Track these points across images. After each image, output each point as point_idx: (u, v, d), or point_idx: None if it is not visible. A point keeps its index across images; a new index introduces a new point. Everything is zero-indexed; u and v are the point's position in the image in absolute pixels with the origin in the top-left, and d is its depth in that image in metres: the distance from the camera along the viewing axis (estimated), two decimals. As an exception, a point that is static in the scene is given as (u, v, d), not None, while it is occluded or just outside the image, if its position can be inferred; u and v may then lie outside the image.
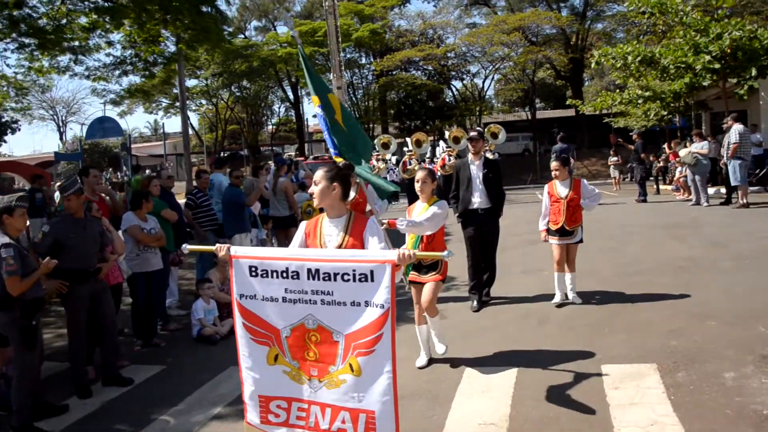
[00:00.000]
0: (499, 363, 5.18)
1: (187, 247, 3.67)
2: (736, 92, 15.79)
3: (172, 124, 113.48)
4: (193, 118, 49.16)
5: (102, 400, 5.13)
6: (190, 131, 51.74)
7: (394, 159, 19.76)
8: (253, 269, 3.23)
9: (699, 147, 13.82)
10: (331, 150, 6.36)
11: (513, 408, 4.27)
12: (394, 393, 2.96)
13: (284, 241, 9.75)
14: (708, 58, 15.14)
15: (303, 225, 3.70)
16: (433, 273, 5.17)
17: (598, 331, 5.67)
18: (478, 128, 8.52)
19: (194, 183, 10.70)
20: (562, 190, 6.67)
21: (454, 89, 44.72)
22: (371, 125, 46.62)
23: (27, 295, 4.45)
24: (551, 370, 4.90)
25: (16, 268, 4.37)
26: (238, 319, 3.33)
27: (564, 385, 4.55)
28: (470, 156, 7.00)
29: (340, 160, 6.17)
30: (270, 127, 55.36)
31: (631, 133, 18.89)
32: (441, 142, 20.44)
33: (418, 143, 15.56)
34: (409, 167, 16.74)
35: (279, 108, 52.70)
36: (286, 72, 42.68)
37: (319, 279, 3.07)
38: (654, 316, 5.94)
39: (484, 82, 44.31)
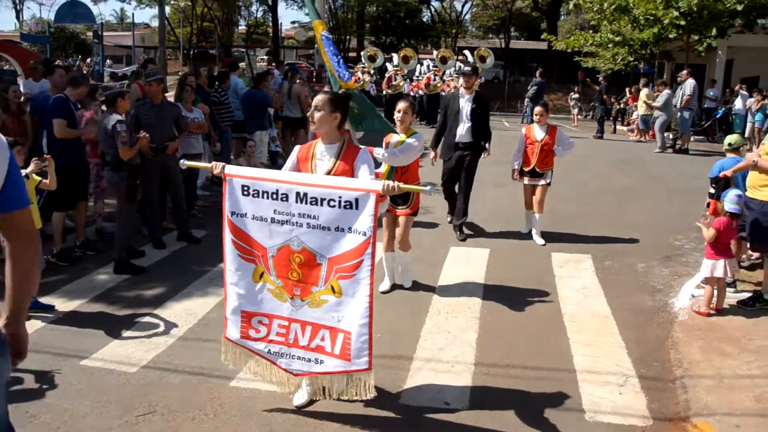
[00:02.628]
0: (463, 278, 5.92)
1: (184, 163, 3.77)
2: (696, 48, 17.32)
3: (141, 15, 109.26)
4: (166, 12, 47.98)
5: (171, 250, 6.59)
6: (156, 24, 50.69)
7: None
8: (245, 188, 3.33)
9: (658, 99, 15.16)
10: (344, 74, 5.86)
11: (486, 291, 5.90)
12: (370, 317, 3.12)
13: (290, 139, 11.07)
14: (676, 14, 16.51)
15: (296, 149, 3.76)
16: (405, 206, 5.36)
17: (547, 236, 7.20)
18: (471, 62, 8.71)
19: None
20: (539, 133, 6.88)
21: (432, 9, 44.96)
22: (347, 37, 46.79)
23: (132, 160, 5.78)
24: (514, 266, 6.55)
25: (127, 139, 5.66)
26: (227, 236, 3.44)
27: (523, 270, 6.17)
28: (462, 90, 6.95)
29: (351, 85, 5.87)
30: (242, 27, 54.57)
31: (598, 75, 20.35)
32: (426, 61, 21.07)
33: (406, 59, 16.33)
34: (393, 83, 17.35)
35: (257, 10, 51.81)
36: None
37: (306, 203, 3.17)
38: (593, 226, 7.63)
39: (463, 6, 44.79)
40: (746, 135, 14.81)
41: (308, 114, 3.62)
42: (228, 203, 3.38)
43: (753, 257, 6.05)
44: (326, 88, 6.05)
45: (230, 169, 3.39)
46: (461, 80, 7.07)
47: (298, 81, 10.96)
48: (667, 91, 14.18)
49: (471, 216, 7.37)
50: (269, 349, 3.42)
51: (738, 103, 16.35)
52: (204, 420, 3.50)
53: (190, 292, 5.50)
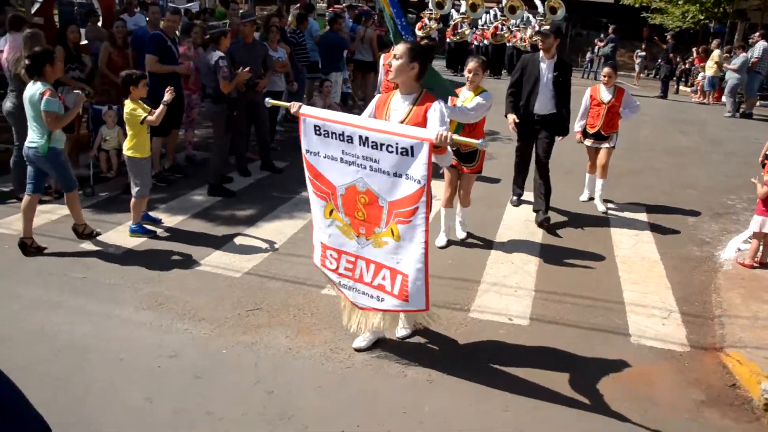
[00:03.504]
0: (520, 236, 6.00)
1: (269, 101, 4.07)
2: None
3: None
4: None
5: (255, 178, 7.28)
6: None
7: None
8: (317, 128, 3.46)
9: (734, 61, 14.55)
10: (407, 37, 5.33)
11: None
12: (425, 263, 3.22)
13: (360, 80, 11.56)
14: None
15: (376, 98, 3.84)
16: (471, 164, 5.40)
17: (606, 191, 7.47)
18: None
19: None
20: (605, 95, 6.55)
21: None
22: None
23: (230, 94, 6.39)
24: (570, 215, 6.98)
25: (227, 74, 6.25)
26: (306, 173, 3.65)
27: (580, 219, 6.60)
28: (541, 53, 6.05)
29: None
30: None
31: (666, 33, 19.96)
32: (493, 9, 20.81)
33: (474, 7, 16.22)
34: (459, 30, 17.23)
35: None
36: None
37: (368, 146, 3.25)
38: (649, 181, 7.96)
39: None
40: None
41: (385, 62, 3.70)
42: (304, 141, 3.55)
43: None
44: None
45: (305, 109, 3.55)
46: (539, 42, 6.15)
47: (371, 26, 11.33)
48: (744, 54, 13.95)
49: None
50: (339, 281, 3.63)
51: (810, 69, 15.93)
52: (302, 317, 4.17)
53: (278, 215, 6.17)
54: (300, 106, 3.57)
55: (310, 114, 3.51)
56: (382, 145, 3.20)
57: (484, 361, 3.74)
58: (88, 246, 5.26)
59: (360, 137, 3.28)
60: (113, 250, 5.19)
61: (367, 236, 3.43)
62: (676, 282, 5.02)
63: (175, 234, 5.62)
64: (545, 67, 6.00)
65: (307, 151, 3.56)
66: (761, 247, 5.27)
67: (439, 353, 3.82)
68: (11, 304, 4.18)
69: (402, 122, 3.46)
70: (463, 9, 18.65)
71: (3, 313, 4.07)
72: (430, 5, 18.88)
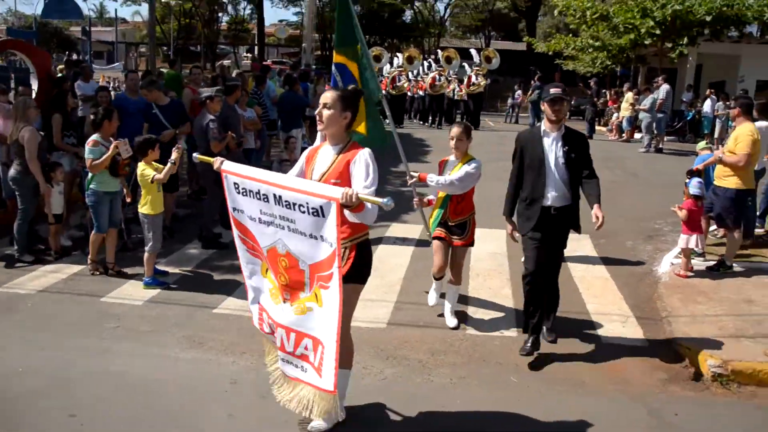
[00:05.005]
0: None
1: (196, 156, 4.03)
2: (669, 55, 18.96)
3: (121, 11, 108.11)
4: (143, 10, 48.41)
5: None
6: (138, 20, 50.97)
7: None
8: (237, 186, 3.29)
9: (644, 102, 16.36)
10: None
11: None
12: (338, 336, 2.97)
13: (314, 136, 12.36)
14: (652, 23, 18.12)
15: (307, 150, 3.61)
16: (461, 236, 5.07)
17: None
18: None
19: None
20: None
21: (416, 10, 46.26)
22: (331, 36, 47.98)
23: (220, 153, 7.04)
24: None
25: (217, 134, 6.92)
26: (234, 231, 3.47)
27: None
28: (544, 124, 4.58)
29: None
30: (223, 24, 55.34)
31: (590, 80, 21.80)
32: (426, 62, 21.85)
33: (410, 60, 17.29)
34: (398, 84, 18.22)
35: (243, 8, 52.56)
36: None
37: (282, 206, 3.06)
38: (587, 212, 9.06)
39: (446, 8, 46.31)
40: (716, 136, 16.48)
41: (316, 112, 3.40)
42: (229, 199, 3.38)
43: (718, 235, 7.50)
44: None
45: (226, 165, 3.38)
46: (545, 108, 4.52)
47: (322, 83, 12.24)
48: (651, 95, 15.68)
49: (479, 205, 5.43)
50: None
51: (706, 106, 18.00)
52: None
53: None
54: (222, 162, 3.43)
55: (230, 171, 3.35)
56: (294, 204, 3.01)
57: (493, 365, 4.53)
58: (107, 299, 5.74)
59: (274, 196, 3.09)
60: (134, 302, 5.69)
61: (291, 302, 3.22)
62: (627, 294, 5.99)
63: (184, 284, 6.16)
64: (550, 143, 4.52)
65: (234, 209, 3.39)
66: (687, 261, 6.33)
67: (458, 358, 4.57)
68: (60, 353, 4.61)
69: (324, 174, 3.31)
70: (399, 62, 19.83)
71: (56, 360, 4.50)
72: (398, 63, 20.06)
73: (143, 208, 5.90)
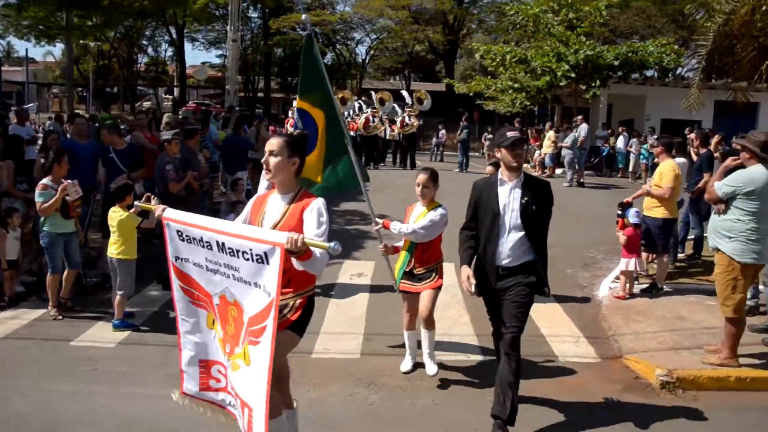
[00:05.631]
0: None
1: (137, 204, 3.91)
2: (584, 96, 20.42)
3: (31, 51, 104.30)
4: (56, 50, 47.16)
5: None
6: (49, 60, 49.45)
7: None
8: (180, 233, 3.14)
9: (566, 140, 17.61)
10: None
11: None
12: (267, 395, 2.76)
13: (257, 179, 12.52)
14: (567, 67, 19.51)
15: (252, 199, 3.53)
16: (428, 281, 4.86)
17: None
18: (517, 125, 4.83)
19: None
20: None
21: (338, 53, 47.28)
22: (255, 78, 48.33)
23: (179, 193, 7.14)
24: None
25: (174, 176, 7.05)
26: (175, 283, 3.25)
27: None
28: (501, 173, 4.20)
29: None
30: (141, 65, 54.66)
31: (515, 120, 22.94)
32: (357, 103, 22.32)
33: (382, 101, 17.73)
34: (371, 124, 18.48)
35: (165, 49, 52.13)
36: (173, 13, 42.83)
37: (226, 253, 2.92)
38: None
39: (367, 52, 47.59)
40: (630, 169, 17.82)
41: (263, 161, 3.30)
42: (170, 248, 3.21)
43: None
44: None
45: (168, 213, 3.23)
46: (503, 154, 4.12)
47: (264, 127, 12.52)
48: (572, 134, 16.82)
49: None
50: (229, 401, 3.21)
51: (620, 142, 19.44)
52: (309, 377, 5.04)
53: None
54: (163, 210, 3.28)
55: (173, 218, 3.20)
56: (238, 251, 2.87)
57: (468, 387, 4.89)
58: (78, 343, 5.73)
59: (217, 243, 2.95)
60: (107, 345, 5.71)
61: (229, 356, 3.06)
62: (574, 317, 6.52)
63: (153, 325, 6.20)
64: (507, 193, 4.11)
65: (176, 258, 3.21)
66: (627, 283, 6.97)
67: (433, 382, 4.89)
68: (45, 396, 4.62)
69: (276, 224, 3.19)
70: (374, 104, 20.12)
71: (42, 405, 4.50)
72: (361, 107, 20.39)
73: (117, 253, 5.97)
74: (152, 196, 6.10)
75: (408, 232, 4.82)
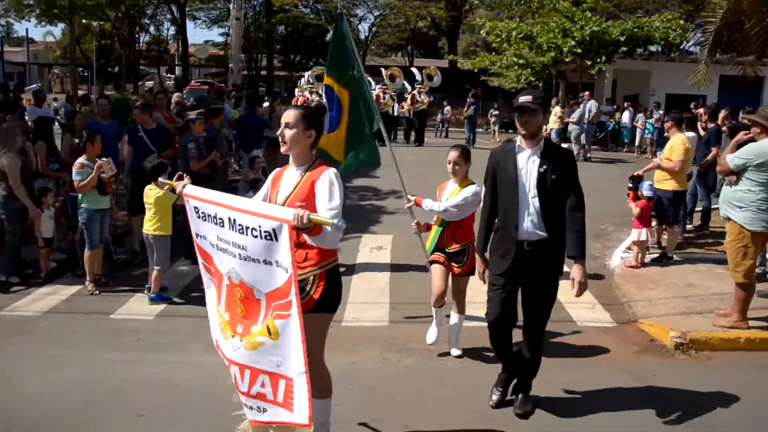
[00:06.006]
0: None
1: (162, 181, 3.82)
2: (589, 72, 20.53)
3: (31, 31, 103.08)
4: (56, 30, 46.89)
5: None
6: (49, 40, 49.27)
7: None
8: (197, 210, 3.13)
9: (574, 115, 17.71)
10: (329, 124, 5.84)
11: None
12: (306, 365, 2.76)
13: (272, 156, 12.78)
14: (573, 43, 19.60)
15: (272, 174, 3.47)
16: (461, 264, 4.77)
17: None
18: (532, 91, 3.91)
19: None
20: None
21: (341, 30, 47.07)
22: (258, 56, 48.26)
23: (200, 171, 7.35)
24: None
25: (195, 155, 7.28)
26: (199, 259, 3.30)
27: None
28: (519, 140, 3.95)
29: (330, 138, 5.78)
30: (142, 44, 54.54)
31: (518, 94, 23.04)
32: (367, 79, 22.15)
33: (392, 78, 17.68)
34: (382, 101, 18.37)
35: (167, 28, 51.94)
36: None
37: (235, 230, 2.89)
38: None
39: (370, 29, 47.48)
40: (636, 144, 18.01)
41: (278, 133, 3.28)
42: (192, 225, 3.22)
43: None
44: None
45: (188, 189, 3.22)
46: (517, 124, 3.90)
47: (278, 106, 12.73)
48: (579, 109, 16.98)
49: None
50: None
51: (625, 117, 19.60)
52: (341, 344, 5.33)
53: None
54: (184, 186, 3.27)
55: (191, 195, 3.19)
56: (247, 228, 2.84)
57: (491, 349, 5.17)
58: (117, 316, 6.03)
59: (229, 219, 2.91)
60: (145, 317, 6.01)
61: (242, 336, 2.99)
62: (589, 285, 6.74)
63: (186, 298, 6.51)
64: (525, 160, 3.87)
65: (197, 235, 3.21)
66: (640, 252, 7.24)
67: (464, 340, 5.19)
68: (99, 365, 4.91)
69: (288, 196, 3.19)
70: (385, 80, 20.14)
71: (98, 370, 4.80)
72: (371, 83, 20.39)
73: (153, 230, 6.23)
74: (184, 174, 6.41)
75: (440, 210, 4.75)
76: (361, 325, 5.76)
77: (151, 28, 51.76)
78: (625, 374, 4.72)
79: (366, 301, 6.36)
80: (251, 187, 8.68)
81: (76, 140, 6.99)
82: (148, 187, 6.31)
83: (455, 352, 5.02)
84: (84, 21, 38.06)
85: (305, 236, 2.94)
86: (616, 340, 5.41)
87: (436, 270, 4.91)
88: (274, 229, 2.77)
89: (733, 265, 5.24)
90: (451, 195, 4.81)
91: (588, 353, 5.13)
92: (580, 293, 3.80)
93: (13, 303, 6.37)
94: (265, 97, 12.33)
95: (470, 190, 4.73)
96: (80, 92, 24.47)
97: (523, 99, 3.86)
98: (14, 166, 6.62)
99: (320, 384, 3.23)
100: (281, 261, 2.77)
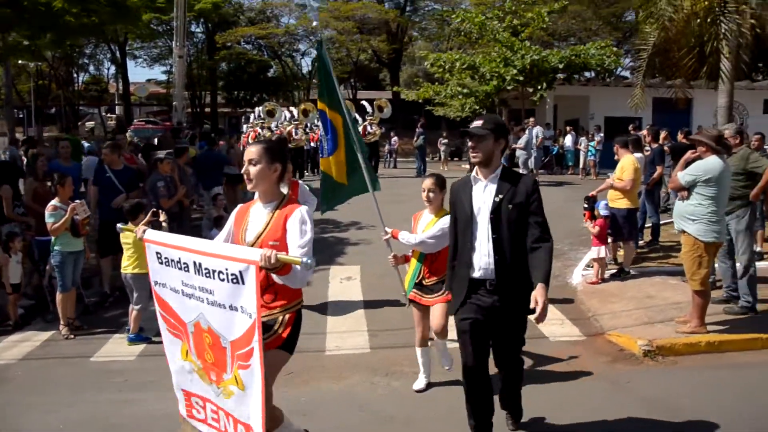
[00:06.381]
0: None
1: (120, 227, 3.79)
2: (532, 99, 21.37)
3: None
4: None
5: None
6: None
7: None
8: (159, 255, 3.05)
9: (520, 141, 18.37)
10: (326, 148, 5.79)
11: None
12: (263, 418, 2.72)
13: (231, 194, 12.83)
14: (515, 71, 20.40)
15: (235, 210, 3.38)
16: (439, 294, 4.58)
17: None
18: (485, 116, 3.40)
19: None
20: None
21: (284, 65, 47.45)
22: (202, 93, 48.08)
23: (171, 209, 7.44)
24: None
25: (166, 192, 7.36)
26: (156, 308, 3.22)
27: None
28: (475, 170, 3.69)
29: (329, 162, 5.74)
30: (80, 84, 53.58)
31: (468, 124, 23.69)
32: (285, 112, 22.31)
33: (305, 113, 17.95)
34: (295, 137, 18.70)
35: (108, 69, 51.25)
36: (114, 31, 42.20)
37: (202, 275, 2.82)
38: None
39: (313, 63, 47.94)
40: (580, 166, 18.79)
41: (243, 171, 3.19)
42: (151, 272, 3.14)
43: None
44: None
45: (149, 234, 3.16)
46: (469, 147, 3.73)
47: (236, 143, 12.86)
48: (525, 135, 17.65)
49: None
50: None
51: (568, 141, 20.46)
52: (329, 371, 5.47)
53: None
54: (144, 231, 3.21)
55: (153, 240, 3.12)
56: (213, 272, 2.77)
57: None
58: (98, 359, 6.01)
59: (194, 263, 2.84)
60: (127, 358, 6.00)
61: (218, 383, 2.94)
62: (554, 302, 7.13)
63: (165, 337, 6.51)
64: (481, 192, 3.62)
65: (155, 282, 3.14)
66: (600, 269, 7.65)
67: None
68: (93, 406, 4.91)
69: (260, 235, 3.10)
70: (295, 116, 20.39)
71: (94, 411, 4.80)
72: (261, 114, 20.59)
73: (132, 269, 6.26)
74: (161, 212, 6.48)
75: (416, 242, 4.63)
76: (344, 353, 5.91)
77: (90, 68, 50.75)
78: (602, 381, 5.04)
79: (344, 329, 6.52)
80: (215, 224, 8.77)
81: (42, 183, 6.97)
82: (123, 227, 6.32)
83: (445, 364, 4.93)
84: (21, 62, 37.30)
85: (274, 276, 2.92)
86: (588, 351, 5.73)
87: (416, 313, 4.84)
88: (240, 272, 2.69)
89: (690, 274, 5.65)
90: (428, 226, 4.67)
91: (564, 365, 5.42)
92: (541, 318, 3.37)
93: (-8, 352, 6.25)
94: (212, 135, 12.29)
95: (447, 220, 4.33)
96: (17, 135, 23.84)
97: (474, 125, 3.63)
98: (-20, 213, 6.56)
99: (273, 417, 3.22)
100: (246, 306, 2.70)
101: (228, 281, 2.73)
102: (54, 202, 6.53)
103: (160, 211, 6.44)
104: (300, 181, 6.69)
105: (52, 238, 6.53)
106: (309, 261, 2.72)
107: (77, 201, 6.57)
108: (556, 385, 5.02)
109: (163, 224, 6.40)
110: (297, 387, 5.11)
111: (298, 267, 2.80)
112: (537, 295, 3.35)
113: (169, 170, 7.62)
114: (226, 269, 2.72)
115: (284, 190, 3.31)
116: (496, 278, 3.54)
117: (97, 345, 6.34)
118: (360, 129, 19.64)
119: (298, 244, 2.98)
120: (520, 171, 17.55)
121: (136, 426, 4.51)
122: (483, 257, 3.56)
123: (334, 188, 5.78)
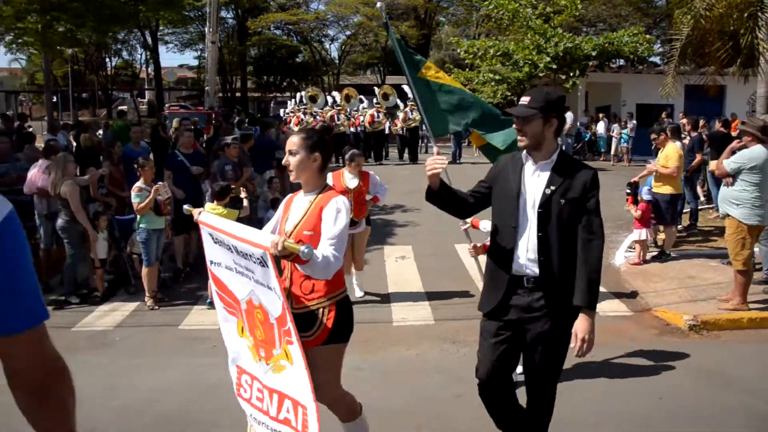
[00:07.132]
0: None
1: (186, 208, 3.64)
2: (565, 86, 21.63)
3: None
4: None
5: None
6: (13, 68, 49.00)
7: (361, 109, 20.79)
8: (212, 236, 3.12)
9: None
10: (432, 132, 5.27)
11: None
12: (312, 391, 2.72)
13: (281, 178, 13.39)
14: (548, 59, 20.69)
15: (284, 200, 3.38)
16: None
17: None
18: (533, 91, 3.04)
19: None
20: (351, 182, 6.67)
21: (314, 50, 47.91)
22: (232, 78, 48.77)
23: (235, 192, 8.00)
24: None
25: (233, 176, 7.96)
26: (213, 287, 3.33)
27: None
28: (524, 151, 3.14)
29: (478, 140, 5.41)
30: (112, 69, 54.53)
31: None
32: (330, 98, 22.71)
33: (385, 96, 18.08)
34: (376, 119, 18.94)
35: (141, 54, 52.12)
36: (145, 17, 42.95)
37: (242, 256, 2.89)
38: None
39: (342, 47, 48.35)
40: (612, 152, 19.10)
41: (284, 162, 3.19)
42: (206, 251, 3.23)
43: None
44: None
45: (203, 217, 3.21)
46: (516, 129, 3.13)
47: (285, 129, 13.41)
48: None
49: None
50: (252, 414, 3.13)
51: (600, 128, 20.73)
52: (386, 339, 6.02)
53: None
54: (200, 213, 3.25)
55: (205, 222, 3.17)
56: (247, 254, 2.83)
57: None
58: (185, 327, 6.62)
59: (234, 246, 2.92)
60: (212, 327, 6.53)
61: (267, 360, 2.97)
62: (602, 282, 7.59)
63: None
64: (530, 174, 3.12)
65: (211, 261, 3.22)
66: (642, 251, 8.10)
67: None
68: (191, 368, 5.49)
69: (297, 224, 3.11)
70: (377, 99, 20.63)
71: (193, 372, 5.37)
72: (304, 99, 20.91)
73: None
74: (242, 189, 7.07)
75: None
76: (411, 324, 6.45)
77: (124, 53, 51.68)
78: (651, 352, 5.52)
79: (408, 303, 7.06)
80: (271, 206, 9.33)
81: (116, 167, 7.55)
82: (210, 207, 6.92)
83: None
84: (59, 47, 38.22)
85: (296, 265, 2.90)
86: (636, 325, 6.22)
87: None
88: (261, 256, 2.74)
89: (734, 255, 6.09)
90: None
91: (614, 337, 5.91)
92: (582, 353, 2.93)
93: (82, 320, 6.90)
94: (264, 120, 12.83)
95: None
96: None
97: (520, 103, 3.12)
98: (75, 193, 7.17)
99: (349, 409, 3.30)
100: (274, 287, 2.75)
101: (257, 264, 2.79)
102: (139, 183, 7.14)
103: (242, 188, 7.07)
104: (371, 172, 7.07)
105: (138, 216, 7.14)
106: (305, 249, 2.63)
107: (160, 183, 7.17)
108: (609, 351, 5.51)
109: (244, 201, 7.03)
110: (374, 353, 5.66)
111: (318, 257, 2.79)
112: (578, 330, 2.93)
113: (235, 154, 8.17)
114: (253, 254, 2.79)
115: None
116: (540, 282, 3.02)
117: (180, 315, 6.95)
118: (401, 115, 20.11)
119: (327, 236, 2.95)
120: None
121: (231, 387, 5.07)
122: (524, 251, 3.05)
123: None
